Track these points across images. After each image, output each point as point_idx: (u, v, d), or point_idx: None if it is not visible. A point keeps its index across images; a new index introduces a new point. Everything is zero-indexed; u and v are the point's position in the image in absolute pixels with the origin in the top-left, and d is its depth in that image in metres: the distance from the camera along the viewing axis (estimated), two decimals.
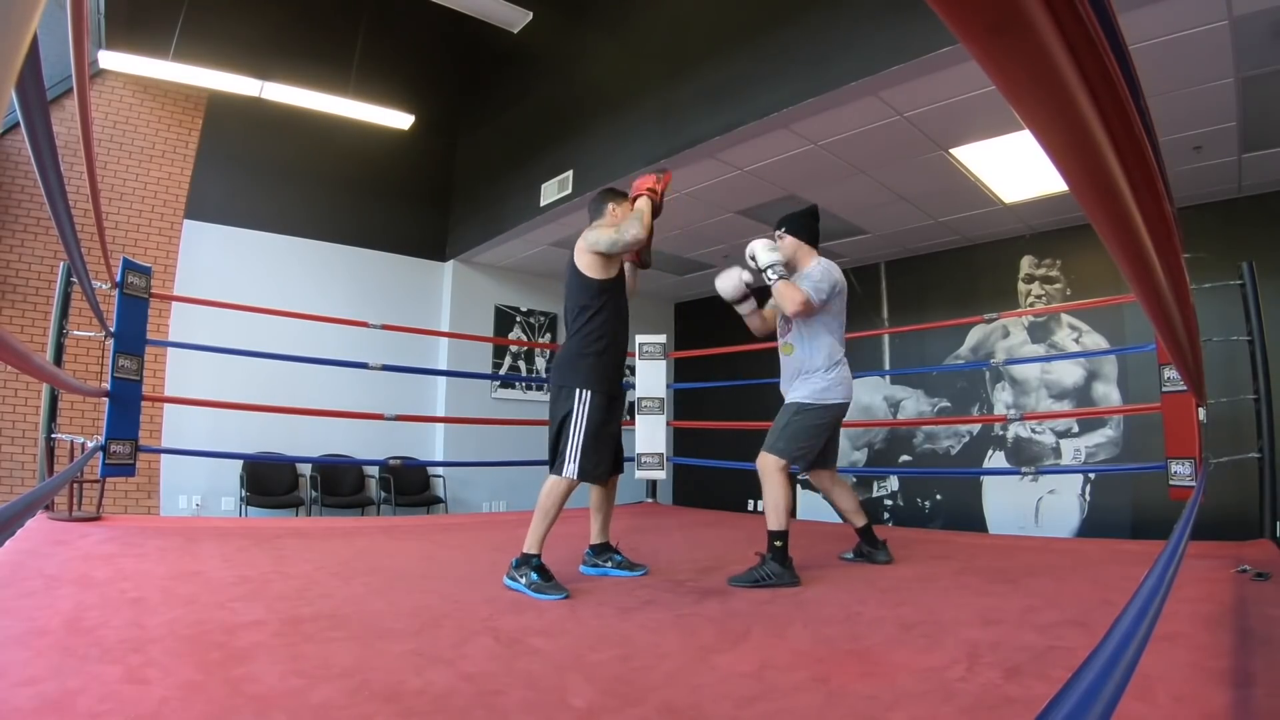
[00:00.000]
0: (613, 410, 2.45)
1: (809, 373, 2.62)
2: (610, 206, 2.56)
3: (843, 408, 2.64)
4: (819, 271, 2.61)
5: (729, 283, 2.75)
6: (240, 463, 5.17)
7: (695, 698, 1.30)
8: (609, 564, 2.56)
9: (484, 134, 6.44)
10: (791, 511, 2.49)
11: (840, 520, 2.96)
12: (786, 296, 2.54)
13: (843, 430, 2.87)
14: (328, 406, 4.63)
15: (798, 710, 1.25)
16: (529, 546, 2.26)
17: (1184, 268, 0.93)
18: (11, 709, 1.11)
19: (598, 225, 2.52)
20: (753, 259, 2.64)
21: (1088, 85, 0.37)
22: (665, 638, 1.71)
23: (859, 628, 1.79)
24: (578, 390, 2.37)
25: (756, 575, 2.34)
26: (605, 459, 2.41)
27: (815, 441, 2.61)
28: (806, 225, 2.73)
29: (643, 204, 2.44)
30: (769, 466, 2.52)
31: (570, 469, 2.32)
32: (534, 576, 2.18)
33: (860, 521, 2.80)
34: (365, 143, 5.90)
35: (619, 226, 2.41)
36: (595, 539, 2.62)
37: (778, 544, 2.39)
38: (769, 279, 2.59)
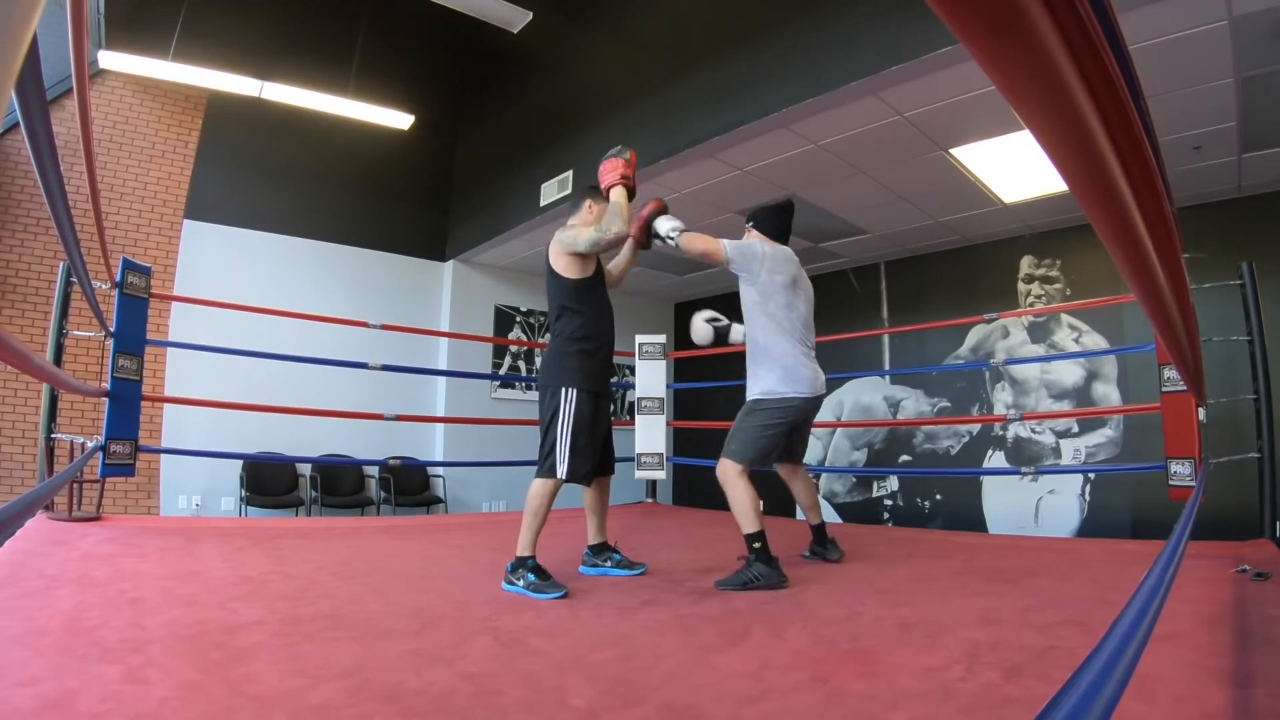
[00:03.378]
0: (599, 409, 2.44)
1: (757, 365, 2.57)
2: (588, 203, 2.54)
3: (801, 405, 2.52)
4: (748, 240, 2.65)
5: (701, 333, 2.86)
6: (240, 463, 5.17)
7: (695, 698, 1.30)
8: (608, 563, 2.56)
9: (484, 134, 6.44)
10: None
11: (840, 520, 2.96)
12: (696, 243, 2.53)
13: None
14: (328, 406, 4.62)
15: (798, 710, 1.24)
16: (522, 549, 2.26)
17: (1184, 268, 0.93)
18: (11, 709, 1.11)
19: (573, 224, 2.52)
20: (656, 237, 2.64)
21: (1088, 85, 0.37)
22: (665, 638, 1.71)
23: (859, 628, 1.79)
24: (562, 390, 2.36)
25: (744, 578, 2.29)
26: (591, 459, 2.38)
27: (772, 442, 2.52)
28: (771, 219, 2.74)
29: (618, 195, 2.37)
30: (725, 472, 2.47)
31: (557, 469, 2.31)
32: (531, 578, 2.18)
33: (815, 519, 2.81)
34: (365, 143, 5.90)
35: (599, 225, 2.38)
36: (593, 539, 2.62)
37: (756, 545, 2.34)
38: (672, 241, 2.58)
